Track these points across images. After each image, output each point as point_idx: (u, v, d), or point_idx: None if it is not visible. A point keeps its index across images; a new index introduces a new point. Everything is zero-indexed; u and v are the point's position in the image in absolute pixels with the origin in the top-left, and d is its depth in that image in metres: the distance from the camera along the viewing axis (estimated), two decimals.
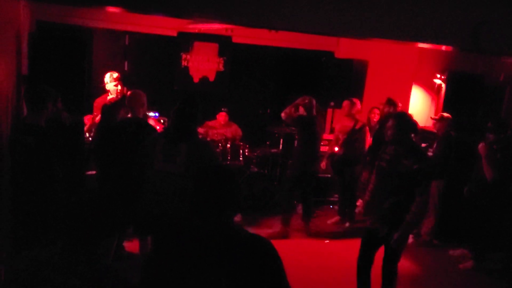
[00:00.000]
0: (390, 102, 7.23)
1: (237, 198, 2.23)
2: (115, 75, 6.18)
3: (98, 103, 6.11)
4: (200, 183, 2.22)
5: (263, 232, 6.21)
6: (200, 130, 7.30)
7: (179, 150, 3.93)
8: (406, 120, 4.42)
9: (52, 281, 1.96)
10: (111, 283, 2.03)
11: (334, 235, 6.79)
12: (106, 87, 6.18)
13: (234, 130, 7.83)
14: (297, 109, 6.42)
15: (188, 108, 4.05)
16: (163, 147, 4.00)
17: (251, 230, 2.26)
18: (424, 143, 6.97)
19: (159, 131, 5.19)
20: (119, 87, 6.15)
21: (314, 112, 6.55)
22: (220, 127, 7.75)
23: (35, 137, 4.02)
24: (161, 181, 4.00)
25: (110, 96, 6.13)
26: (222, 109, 7.81)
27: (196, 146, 3.99)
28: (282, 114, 6.48)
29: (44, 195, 4.11)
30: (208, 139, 7.43)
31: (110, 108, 5.16)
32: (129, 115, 4.84)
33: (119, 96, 6.10)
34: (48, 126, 4.21)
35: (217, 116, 7.83)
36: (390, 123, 4.38)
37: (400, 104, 7.29)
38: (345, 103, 7.04)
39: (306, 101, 6.45)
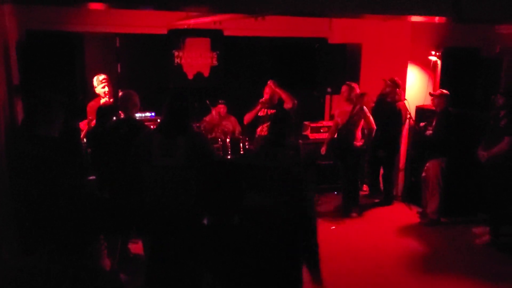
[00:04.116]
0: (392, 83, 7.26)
1: (242, 194, 2.22)
2: (101, 77, 6.18)
3: (91, 107, 6.09)
4: (206, 181, 2.21)
5: None
6: (199, 126, 7.26)
7: (177, 144, 3.98)
8: None
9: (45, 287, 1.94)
10: (104, 284, 2.01)
11: (340, 221, 6.79)
12: (96, 91, 6.17)
13: (234, 122, 7.77)
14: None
15: (179, 102, 4.07)
16: (159, 142, 4.03)
17: None
18: (423, 121, 6.92)
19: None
20: (106, 88, 6.14)
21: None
22: (218, 120, 7.67)
23: (49, 149, 3.93)
24: (162, 176, 4.04)
25: (102, 100, 6.11)
26: (220, 101, 7.75)
27: (193, 137, 4.06)
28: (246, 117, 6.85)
29: (53, 204, 4.07)
30: (208, 136, 7.38)
31: (105, 112, 5.14)
32: (122, 116, 4.81)
33: (108, 98, 6.09)
34: (60, 137, 4.12)
35: (215, 109, 7.76)
36: None
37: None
38: (343, 88, 7.02)
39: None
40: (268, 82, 6.77)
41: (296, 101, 6.67)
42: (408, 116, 7.15)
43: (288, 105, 6.63)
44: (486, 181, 6.10)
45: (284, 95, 6.65)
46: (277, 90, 6.71)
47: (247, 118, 7.02)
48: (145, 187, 4.16)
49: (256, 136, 6.95)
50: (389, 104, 7.16)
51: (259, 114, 6.94)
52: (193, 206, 3.98)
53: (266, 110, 6.87)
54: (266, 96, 6.83)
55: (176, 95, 4.16)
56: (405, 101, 7.20)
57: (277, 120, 3.86)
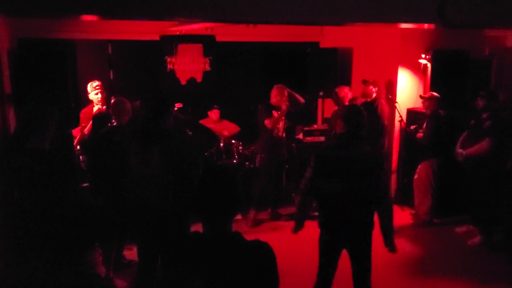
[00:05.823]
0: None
1: (238, 201, 2.21)
2: (95, 84, 6.19)
3: (84, 113, 6.10)
4: (202, 189, 2.20)
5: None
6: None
7: (151, 153, 3.93)
8: None
9: None
10: None
11: None
12: (89, 98, 6.18)
13: (228, 126, 7.81)
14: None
15: (151, 111, 4.03)
16: (135, 150, 4.00)
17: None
18: (414, 124, 6.98)
19: None
20: (99, 95, 6.14)
21: None
22: (213, 124, 7.72)
23: (40, 161, 3.94)
24: (141, 183, 4.04)
25: (96, 107, 6.12)
26: (214, 106, 7.82)
27: (169, 146, 3.98)
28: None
29: (47, 212, 4.08)
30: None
31: (101, 119, 5.15)
32: (114, 124, 4.83)
33: (101, 105, 6.10)
34: (52, 148, 4.13)
35: (209, 113, 7.83)
36: None
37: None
38: (334, 92, 7.08)
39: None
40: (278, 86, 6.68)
41: (303, 100, 6.78)
42: (399, 119, 7.20)
43: (300, 104, 6.75)
44: (470, 182, 6.18)
45: (297, 95, 6.70)
46: (292, 92, 6.66)
47: (270, 123, 6.57)
48: (129, 193, 4.19)
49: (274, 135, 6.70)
50: (368, 104, 7.27)
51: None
52: (174, 212, 4.02)
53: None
54: (277, 97, 6.56)
55: (149, 105, 4.11)
56: (396, 104, 7.25)
57: (355, 114, 3.88)
